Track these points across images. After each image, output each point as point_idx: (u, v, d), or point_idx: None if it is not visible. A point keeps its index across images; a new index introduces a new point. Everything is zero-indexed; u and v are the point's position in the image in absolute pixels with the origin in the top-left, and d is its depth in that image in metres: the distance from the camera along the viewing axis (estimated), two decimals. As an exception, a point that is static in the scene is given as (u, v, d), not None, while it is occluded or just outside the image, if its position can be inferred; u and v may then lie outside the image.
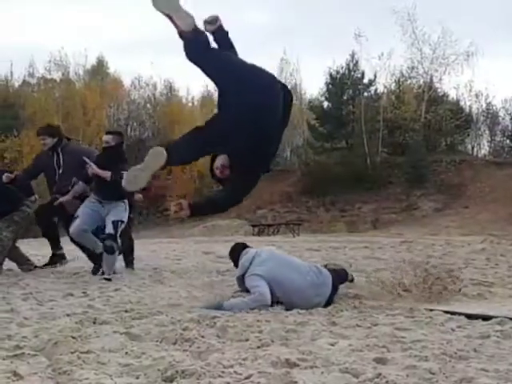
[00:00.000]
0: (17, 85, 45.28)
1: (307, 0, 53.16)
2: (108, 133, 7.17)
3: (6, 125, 37.69)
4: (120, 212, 6.46)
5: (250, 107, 3.62)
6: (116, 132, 7.51)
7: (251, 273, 4.59)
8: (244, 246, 5.05)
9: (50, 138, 7.11)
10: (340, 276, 5.04)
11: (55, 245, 7.24)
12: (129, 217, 6.78)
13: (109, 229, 6.26)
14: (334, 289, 4.74)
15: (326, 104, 38.35)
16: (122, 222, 6.44)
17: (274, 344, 3.20)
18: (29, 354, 2.77)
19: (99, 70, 45.67)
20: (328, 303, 4.60)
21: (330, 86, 37.19)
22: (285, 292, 4.56)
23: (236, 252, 5.01)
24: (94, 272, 6.58)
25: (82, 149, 8.42)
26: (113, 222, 6.28)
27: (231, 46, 3.92)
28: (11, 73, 45.01)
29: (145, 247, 12.76)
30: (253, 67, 3.81)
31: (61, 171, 7.06)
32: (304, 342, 3.28)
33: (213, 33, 3.88)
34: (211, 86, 43.84)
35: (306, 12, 60.00)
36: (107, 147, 6.70)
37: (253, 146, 3.73)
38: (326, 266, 5.08)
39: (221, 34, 3.89)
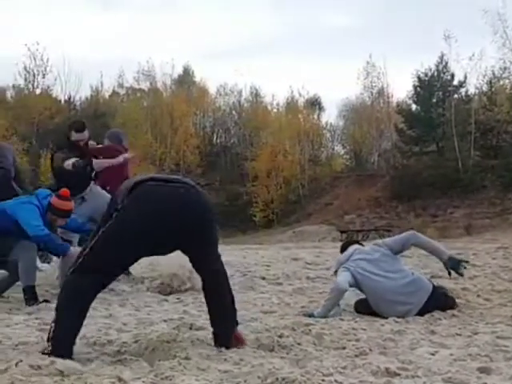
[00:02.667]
0: (107, 95, 46.87)
1: (393, 2, 52.47)
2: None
3: (96, 134, 38.96)
4: None
5: None
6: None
7: (342, 267, 4.58)
8: (350, 243, 5.00)
9: None
10: (446, 303, 4.59)
11: None
12: None
13: None
14: (432, 304, 4.50)
15: (414, 107, 37.63)
16: None
17: (372, 353, 3.14)
18: (131, 359, 2.82)
19: (185, 78, 46.69)
20: (421, 313, 4.43)
21: (419, 88, 36.45)
22: (369, 292, 4.50)
23: (342, 248, 5.00)
24: None
25: None
26: None
27: None
28: (101, 84, 46.69)
29: (233, 253, 12.87)
30: None
31: None
32: (403, 351, 3.20)
33: None
34: (296, 91, 44.09)
35: (393, 14, 59.21)
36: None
37: None
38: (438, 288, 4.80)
39: None
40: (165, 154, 40.90)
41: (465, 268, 4.63)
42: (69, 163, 5.96)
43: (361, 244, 5.01)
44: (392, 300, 4.36)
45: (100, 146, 7.09)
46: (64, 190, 5.27)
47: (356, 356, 3.05)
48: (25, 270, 5.04)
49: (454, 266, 4.52)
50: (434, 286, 4.57)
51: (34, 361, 2.63)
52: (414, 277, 4.57)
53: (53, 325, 2.87)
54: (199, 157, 41.57)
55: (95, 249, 2.95)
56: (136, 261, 3.22)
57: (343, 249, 4.94)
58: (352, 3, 63.82)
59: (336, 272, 4.70)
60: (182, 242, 3.15)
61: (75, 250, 5.64)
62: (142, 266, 7.22)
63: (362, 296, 4.66)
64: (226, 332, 3.14)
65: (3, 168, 6.50)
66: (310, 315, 4.32)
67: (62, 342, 2.85)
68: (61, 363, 2.64)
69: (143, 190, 3.09)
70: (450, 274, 4.57)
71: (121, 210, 3.01)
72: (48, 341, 2.87)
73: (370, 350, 3.19)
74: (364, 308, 4.55)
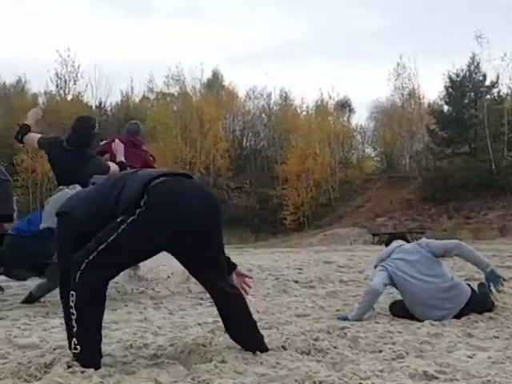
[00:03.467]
0: (137, 100, 47.27)
1: (423, 3, 52.05)
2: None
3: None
4: None
5: None
6: None
7: (381, 263, 4.56)
8: (395, 237, 4.94)
9: None
10: (484, 305, 4.49)
11: None
12: None
13: None
14: (469, 310, 4.43)
15: (446, 108, 37.28)
16: None
17: (409, 356, 3.10)
18: (167, 362, 2.83)
19: (215, 82, 46.88)
20: (457, 316, 4.37)
21: (450, 89, 36.10)
22: (405, 293, 4.45)
23: (386, 242, 4.97)
24: None
25: None
26: None
27: None
28: (131, 89, 47.14)
29: (264, 257, 12.90)
30: None
31: None
32: (440, 354, 3.15)
33: None
34: (326, 93, 43.96)
35: (423, 15, 58.75)
36: None
37: None
38: (480, 287, 4.76)
39: None
40: (195, 157, 41.13)
41: (502, 285, 4.58)
42: None
43: (406, 239, 4.91)
44: (428, 304, 4.31)
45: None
46: None
47: (393, 359, 3.02)
48: None
49: (492, 279, 4.48)
50: (473, 290, 4.49)
51: (71, 364, 2.65)
52: (453, 282, 4.47)
53: (75, 326, 2.71)
54: (229, 160, 41.73)
55: (114, 247, 2.76)
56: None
57: (387, 243, 4.89)
58: (382, 4, 63.58)
59: (376, 267, 4.66)
60: (200, 243, 2.99)
61: None
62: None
63: (397, 298, 4.62)
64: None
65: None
66: (345, 318, 4.30)
67: (91, 343, 2.74)
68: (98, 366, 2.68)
69: (167, 186, 2.91)
70: (489, 287, 4.51)
71: (144, 208, 2.79)
72: (73, 344, 2.73)
73: (407, 353, 3.16)
74: (399, 310, 4.51)
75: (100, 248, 2.76)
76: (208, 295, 5.64)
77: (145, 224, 2.78)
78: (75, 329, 2.71)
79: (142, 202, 2.80)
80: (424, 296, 4.33)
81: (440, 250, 4.56)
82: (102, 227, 2.84)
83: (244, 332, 3.15)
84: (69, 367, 2.59)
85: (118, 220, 2.81)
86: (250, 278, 3.64)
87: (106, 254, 2.76)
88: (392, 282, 4.46)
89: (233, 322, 3.17)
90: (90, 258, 2.75)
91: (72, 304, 2.71)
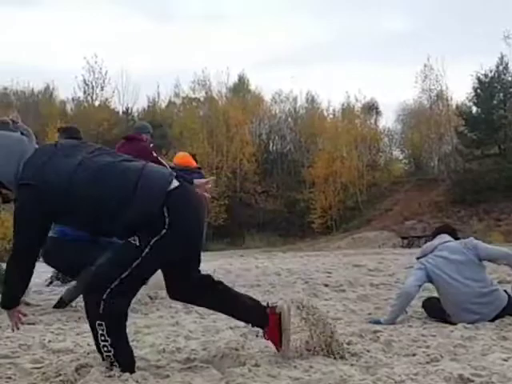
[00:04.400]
0: (163, 105, 47.49)
1: (450, 3, 51.61)
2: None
3: (155, 144, 39.68)
4: None
5: None
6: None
7: (421, 259, 4.51)
8: (443, 230, 4.81)
9: None
10: None
11: None
12: None
13: None
14: (504, 315, 4.38)
15: (474, 109, 36.84)
16: None
17: (443, 359, 3.08)
18: (201, 366, 2.84)
19: (241, 87, 46.90)
20: (491, 320, 4.30)
21: (479, 90, 35.68)
22: (442, 293, 4.42)
23: (433, 234, 4.84)
24: None
25: None
26: None
27: None
28: (158, 94, 47.39)
29: (293, 260, 12.87)
30: None
31: None
32: (474, 358, 3.12)
33: None
34: (352, 96, 43.79)
35: (450, 15, 58.26)
36: None
37: None
38: None
39: None
40: (221, 162, 41.25)
41: None
42: None
43: (455, 233, 4.77)
44: (463, 307, 4.25)
45: None
46: None
47: (427, 363, 3.00)
48: None
49: None
50: (509, 296, 4.42)
51: (108, 368, 2.67)
52: (492, 287, 4.38)
53: (112, 351, 2.68)
54: (255, 164, 41.75)
55: (138, 273, 2.70)
56: None
57: (434, 235, 4.76)
58: (409, 5, 63.18)
59: (418, 259, 4.59)
60: (200, 243, 3.05)
61: None
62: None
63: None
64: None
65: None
66: (377, 322, 4.27)
67: (128, 364, 2.72)
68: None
69: (182, 198, 2.79)
70: None
71: (168, 228, 2.68)
72: (111, 365, 2.71)
73: (441, 356, 3.13)
74: (433, 306, 4.46)
75: (123, 276, 2.65)
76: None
77: (170, 245, 2.72)
78: (111, 353, 2.69)
79: (166, 222, 2.68)
80: (461, 299, 4.27)
81: (487, 256, 4.45)
82: (83, 215, 2.75)
83: (241, 308, 3.15)
84: (105, 371, 2.60)
85: (138, 240, 2.69)
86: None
87: (130, 280, 2.68)
88: (430, 279, 4.41)
89: (228, 304, 3.17)
90: (113, 286, 2.64)
91: (103, 333, 2.66)
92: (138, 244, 2.68)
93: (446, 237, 4.65)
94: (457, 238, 4.68)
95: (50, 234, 5.36)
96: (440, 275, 4.36)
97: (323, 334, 3.10)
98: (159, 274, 3.02)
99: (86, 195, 2.68)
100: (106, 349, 2.68)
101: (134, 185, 2.71)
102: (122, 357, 2.70)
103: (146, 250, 2.66)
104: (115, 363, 2.68)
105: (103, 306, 2.63)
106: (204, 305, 3.28)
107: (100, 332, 2.66)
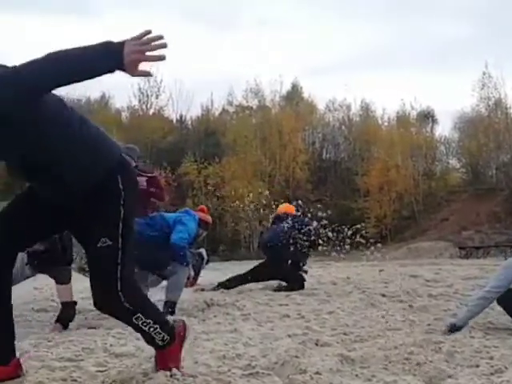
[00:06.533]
0: (217, 113, 47.79)
1: (510, 9, 50.54)
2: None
3: (208, 152, 40.07)
4: None
5: None
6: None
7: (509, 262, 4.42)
8: None
9: None
10: None
11: None
12: None
13: None
14: None
15: (534, 117, 35.93)
16: None
17: (507, 370, 3.01)
18: (262, 373, 2.84)
19: (294, 94, 46.83)
20: None
21: (539, 97, 34.78)
22: None
23: None
24: None
25: None
26: None
27: None
28: (211, 102, 47.69)
29: (348, 270, 12.75)
30: None
31: None
32: (540, 369, 3.03)
33: None
34: (408, 104, 43.22)
35: (510, 22, 57.03)
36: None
37: None
38: None
39: None
40: (274, 170, 41.28)
41: None
42: None
43: None
44: None
45: None
46: (202, 207, 6.03)
47: (491, 374, 2.94)
48: (174, 287, 5.40)
49: None
50: None
51: (172, 372, 2.70)
52: None
53: (158, 326, 2.71)
54: (309, 172, 41.64)
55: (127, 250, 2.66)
56: None
57: None
58: (466, 12, 62.13)
59: (506, 258, 4.53)
60: None
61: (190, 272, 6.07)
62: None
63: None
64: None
65: None
66: (452, 324, 4.20)
67: (172, 327, 2.81)
68: (195, 373, 2.72)
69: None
70: None
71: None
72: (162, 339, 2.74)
73: (506, 367, 3.06)
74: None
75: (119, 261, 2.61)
76: (291, 308, 5.69)
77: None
78: (158, 328, 2.71)
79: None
80: None
81: None
82: None
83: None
84: (171, 376, 2.63)
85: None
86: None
87: (126, 261, 2.64)
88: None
89: None
90: (118, 276, 2.60)
91: (144, 320, 2.66)
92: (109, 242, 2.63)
93: None
94: None
95: None
96: None
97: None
98: None
99: None
100: (152, 329, 2.69)
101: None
102: (166, 325, 2.78)
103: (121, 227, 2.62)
104: (166, 336, 2.73)
105: (125, 299, 2.59)
106: None
107: (141, 322, 2.66)
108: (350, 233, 8.77)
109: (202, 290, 7.36)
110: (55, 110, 2.54)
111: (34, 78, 2.33)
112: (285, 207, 8.87)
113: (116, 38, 2.34)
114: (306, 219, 8.18)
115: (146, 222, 5.63)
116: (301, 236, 7.74)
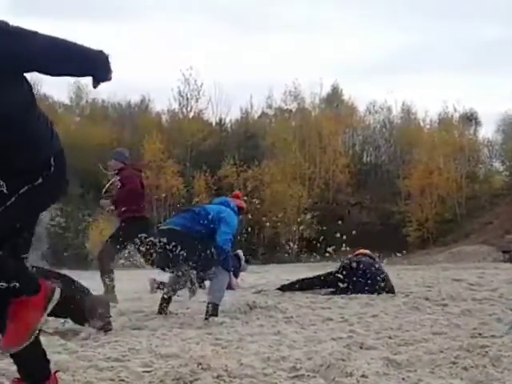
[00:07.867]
0: (256, 116, 47.83)
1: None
2: None
3: (247, 155, 40.12)
4: None
5: None
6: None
7: None
8: None
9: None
10: None
11: None
12: None
13: None
14: None
15: None
16: None
17: (556, 376, 2.95)
18: (308, 375, 2.85)
19: (334, 97, 46.56)
20: None
21: None
22: None
23: None
24: None
25: None
26: None
27: None
28: (251, 105, 47.73)
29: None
30: None
31: None
32: None
33: None
34: (450, 106, 42.59)
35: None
36: None
37: None
38: None
39: None
40: (314, 173, 41.13)
41: None
42: None
43: None
44: None
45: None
46: (237, 193, 6.25)
47: (539, 379, 2.88)
48: (217, 289, 5.41)
49: None
50: None
51: (215, 373, 2.73)
52: None
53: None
54: (349, 176, 41.32)
55: None
56: None
57: None
58: (510, 12, 60.93)
59: None
60: None
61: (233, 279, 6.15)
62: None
63: None
64: None
65: None
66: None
67: None
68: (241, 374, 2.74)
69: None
70: None
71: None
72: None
73: (553, 372, 3.00)
74: None
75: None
76: (334, 311, 5.67)
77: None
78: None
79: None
80: None
81: None
82: None
83: None
84: (217, 377, 2.66)
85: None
86: None
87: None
88: None
89: None
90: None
91: None
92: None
93: None
94: None
95: (171, 226, 5.66)
96: None
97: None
98: None
99: None
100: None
101: None
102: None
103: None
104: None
105: None
106: None
107: None
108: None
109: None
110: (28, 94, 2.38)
111: (48, 47, 2.26)
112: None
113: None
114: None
115: (192, 216, 5.66)
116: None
